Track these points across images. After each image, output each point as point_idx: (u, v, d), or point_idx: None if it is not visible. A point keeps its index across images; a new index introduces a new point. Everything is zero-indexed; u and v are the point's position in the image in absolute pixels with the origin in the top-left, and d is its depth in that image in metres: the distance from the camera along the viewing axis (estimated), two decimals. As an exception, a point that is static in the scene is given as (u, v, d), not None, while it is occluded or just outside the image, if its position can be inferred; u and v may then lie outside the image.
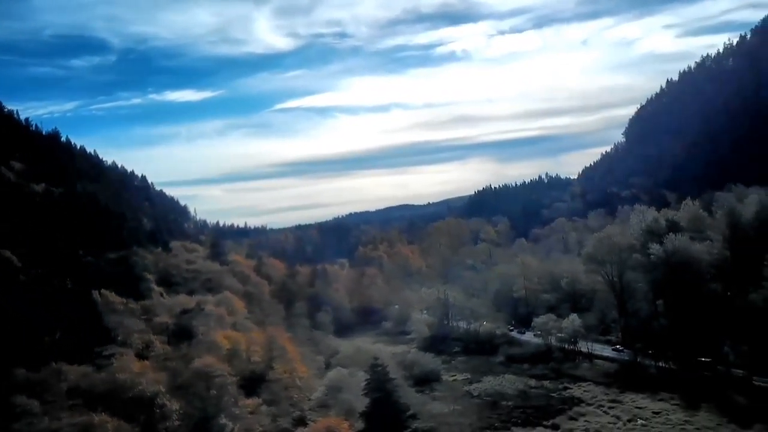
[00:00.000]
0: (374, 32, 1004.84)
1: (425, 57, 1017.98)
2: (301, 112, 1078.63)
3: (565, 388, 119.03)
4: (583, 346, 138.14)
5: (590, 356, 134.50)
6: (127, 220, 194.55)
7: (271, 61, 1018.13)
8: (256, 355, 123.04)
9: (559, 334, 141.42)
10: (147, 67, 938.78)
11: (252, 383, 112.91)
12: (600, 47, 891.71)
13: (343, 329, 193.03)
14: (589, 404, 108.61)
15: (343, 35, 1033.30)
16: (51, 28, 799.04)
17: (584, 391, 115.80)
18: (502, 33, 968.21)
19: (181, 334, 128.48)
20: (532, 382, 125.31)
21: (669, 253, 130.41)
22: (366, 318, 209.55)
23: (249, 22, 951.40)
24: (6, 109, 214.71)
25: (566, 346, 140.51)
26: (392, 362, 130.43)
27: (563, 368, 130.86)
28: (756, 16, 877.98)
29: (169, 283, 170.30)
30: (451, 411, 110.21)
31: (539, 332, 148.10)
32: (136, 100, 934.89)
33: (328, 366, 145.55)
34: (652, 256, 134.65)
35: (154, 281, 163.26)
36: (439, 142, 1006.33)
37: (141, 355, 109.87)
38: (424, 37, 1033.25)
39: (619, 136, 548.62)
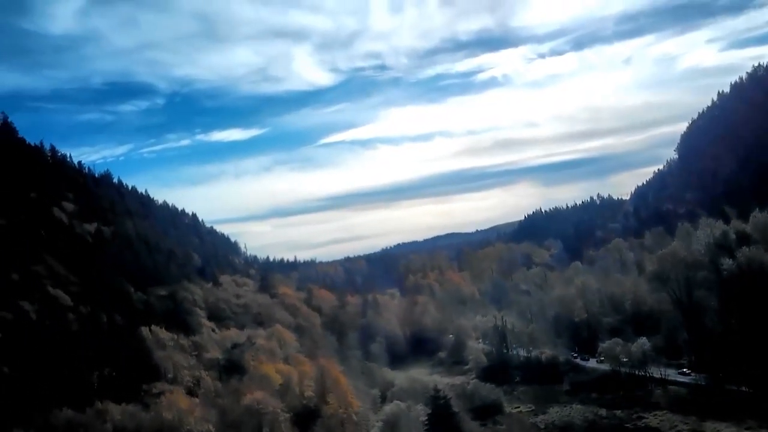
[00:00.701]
0: (413, 62, 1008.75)
1: (465, 84, 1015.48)
2: (344, 145, 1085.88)
3: (639, 417, 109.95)
4: (654, 371, 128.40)
5: (663, 381, 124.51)
6: (177, 256, 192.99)
7: (313, 97, 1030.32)
8: (309, 389, 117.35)
9: (625, 359, 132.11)
10: (193, 109, 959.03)
11: (305, 419, 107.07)
12: (642, 65, 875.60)
13: (396, 360, 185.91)
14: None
15: (382, 67, 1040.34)
16: (99, 76, 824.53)
17: (660, 420, 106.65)
18: (542, 56, 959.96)
19: (232, 368, 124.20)
20: (603, 412, 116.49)
21: (742, 266, 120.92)
22: (419, 348, 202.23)
23: (289, 60, 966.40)
24: (59, 153, 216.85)
25: (635, 371, 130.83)
26: (451, 394, 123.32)
27: (634, 395, 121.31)
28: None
29: (219, 317, 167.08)
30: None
31: (605, 358, 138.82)
32: (184, 141, 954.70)
33: (383, 399, 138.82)
34: (723, 272, 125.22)
35: (205, 316, 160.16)
36: (483, 168, 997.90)
37: (191, 392, 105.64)
38: (463, 64, 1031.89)
39: (666, 154, 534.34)
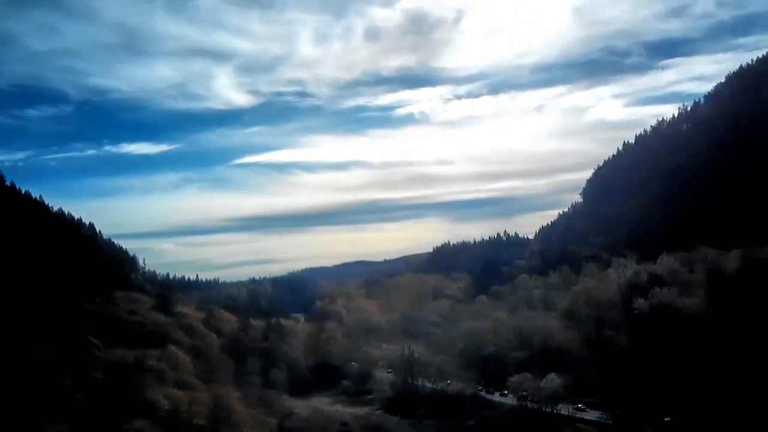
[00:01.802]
0: (335, 92, 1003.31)
1: (384, 118, 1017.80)
2: (259, 167, 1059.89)
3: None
4: (563, 408, 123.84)
5: (571, 420, 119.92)
6: (69, 268, 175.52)
7: (231, 117, 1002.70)
8: (200, 416, 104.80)
9: (534, 395, 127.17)
10: (104, 119, 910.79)
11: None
12: (552, 113, 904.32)
13: (298, 388, 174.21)
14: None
15: (303, 94, 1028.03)
16: (6, 78, 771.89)
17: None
18: (459, 97, 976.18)
19: (115, 391, 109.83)
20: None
21: (655, 307, 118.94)
22: (324, 376, 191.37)
23: (209, 79, 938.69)
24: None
25: (544, 408, 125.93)
26: (354, 426, 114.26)
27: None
28: (700, 88, 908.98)
29: (108, 335, 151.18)
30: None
31: (514, 393, 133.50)
32: (91, 151, 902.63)
33: (281, 429, 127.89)
34: (635, 311, 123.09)
35: (91, 333, 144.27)
36: (396, 201, 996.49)
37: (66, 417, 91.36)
38: (383, 98, 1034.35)
39: (569, 199, 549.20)
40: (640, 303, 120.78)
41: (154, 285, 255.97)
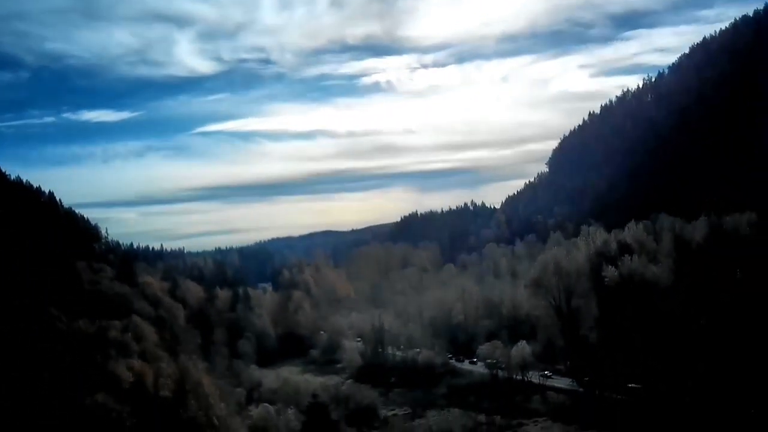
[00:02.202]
0: (299, 60, 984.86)
1: (350, 86, 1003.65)
2: (223, 136, 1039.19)
3: (520, 424, 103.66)
4: (533, 377, 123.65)
5: (541, 387, 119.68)
6: (27, 238, 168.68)
7: (193, 84, 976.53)
8: (166, 389, 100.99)
9: (504, 363, 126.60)
10: (62, 86, 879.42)
11: (159, 424, 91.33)
12: (517, 84, 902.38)
13: (266, 358, 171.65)
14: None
15: (267, 62, 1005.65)
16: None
17: (542, 428, 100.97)
18: (425, 66, 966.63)
19: (75, 364, 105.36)
20: (482, 418, 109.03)
21: (624, 276, 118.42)
22: (292, 346, 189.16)
23: (171, 45, 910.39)
24: None
25: (514, 376, 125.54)
26: (325, 396, 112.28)
27: (513, 401, 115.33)
28: (663, 60, 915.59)
29: (69, 306, 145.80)
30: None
31: (484, 361, 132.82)
32: (49, 119, 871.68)
33: (249, 400, 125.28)
34: (605, 280, 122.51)
35: (52, 304, 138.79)
36: (362, 171, 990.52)
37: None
38: (348, 67, 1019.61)
39: (534, 169, 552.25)
40: (610, 271, 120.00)
41: (117, 255, 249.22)
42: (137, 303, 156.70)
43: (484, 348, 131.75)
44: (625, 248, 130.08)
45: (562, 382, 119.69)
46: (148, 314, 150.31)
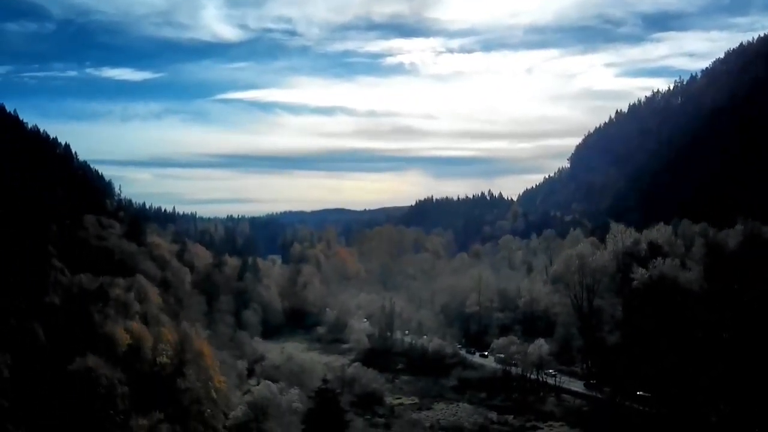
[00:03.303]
0: (324, 34, 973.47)
1: (373, 65, 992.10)
2: (243, 105, 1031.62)
3: (535, 428, 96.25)
4: (547, 377, 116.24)
5: (557, 389, 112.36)
6: (38, 186, 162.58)
7: (216, 50, 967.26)
8: (164, 356, 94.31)
9: (520, 360, 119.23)
10: (86, 41, 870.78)
11: (154, 393, 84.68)
12: (542, 77, 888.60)
13: (271, 331, 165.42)
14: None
15: (293, 33, 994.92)
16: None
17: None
18: (450, 51, 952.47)
19: (72, 321, 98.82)
20: (493, 416, 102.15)
21: (654, 279, 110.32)
22: (297, 321, 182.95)
23: (197, 8, 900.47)
24: None
25: (528, 374, 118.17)
26: (330, 376, 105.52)
27: (527, 401, 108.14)
28: (691, 65, 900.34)
29: (72, 259, 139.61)
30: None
31: (496, 355, 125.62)
32: (72, 73, 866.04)
33: (250, 374, 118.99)
34: (633, 281, 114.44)
35: (55, 254, 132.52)
36: (379, 151, 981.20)
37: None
38: (373, 45, 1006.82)
39: (552, 165, 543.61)
40: (639, 273, 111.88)
41: (127, 213, 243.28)
42: (143, 263, 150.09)
43: (499, 342, 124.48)
44: (655, 250, 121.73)
45: (578, 385, 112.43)
46: (153, 275, 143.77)
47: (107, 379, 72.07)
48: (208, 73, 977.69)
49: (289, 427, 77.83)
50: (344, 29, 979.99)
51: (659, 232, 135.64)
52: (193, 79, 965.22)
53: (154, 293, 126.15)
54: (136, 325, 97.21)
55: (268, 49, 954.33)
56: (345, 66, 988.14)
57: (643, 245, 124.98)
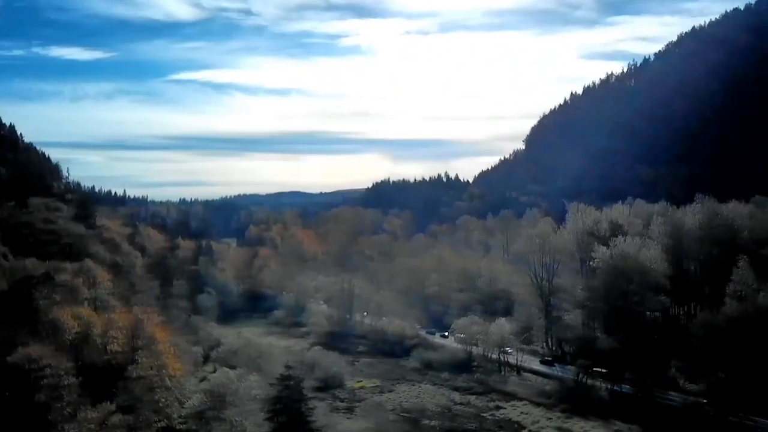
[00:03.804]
0: (280, 14, 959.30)
1: (330, 46, 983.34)
2: (197, 85, 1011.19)
3: (498, 408, 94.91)
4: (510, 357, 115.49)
5: (518, 369, 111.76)
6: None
7: (170, 29, 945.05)
8: (116, 342, 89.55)
9: (481, 339, 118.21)
10: (34, 18, 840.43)
11: (105, 382, 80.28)
12: (500, 59, 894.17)
13: (227, 315, 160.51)
14: (532, 431, 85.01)
15: (248, 12, 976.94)
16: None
17: (521, 413, 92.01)
18: (408, 33, 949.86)
19: (16, 308, 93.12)
20: (456, 396, 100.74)
21: (616, 258, 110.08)
22: (255, 304, 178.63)
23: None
24: None
25: (490, 354, 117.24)
26: (286, 360, 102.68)
27: (490, 381, 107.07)
28: (644, 49, 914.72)
29: (17, 243, 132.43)
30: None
31: (459, 335, 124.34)
32: (18, 51, 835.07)
33: (206, 360, 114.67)
34: (595, 260, 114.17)
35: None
36: (336, 134, 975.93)
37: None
38: (330, 26, 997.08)
39: (507, 147, 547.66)
40: (601, 251, 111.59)
41: (76, 196, 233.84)
42: (93, 246, 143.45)
43: (460, 322, 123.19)
44: (616, 229, 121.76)
45: (541, 366, 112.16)
46: (103, 259, 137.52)
47: (53, 369, 67.46)
48: (161, 53, 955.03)
49: (249, 415, 74.62)
50: (301, 9, 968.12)
51: (618, 212, 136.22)
52: (145, 59, 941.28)
53: (104, 278, 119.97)
54: (84, 311, 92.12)
55: (223, 28, 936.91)
56: (302, 46, 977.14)
57: (604, 224, 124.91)
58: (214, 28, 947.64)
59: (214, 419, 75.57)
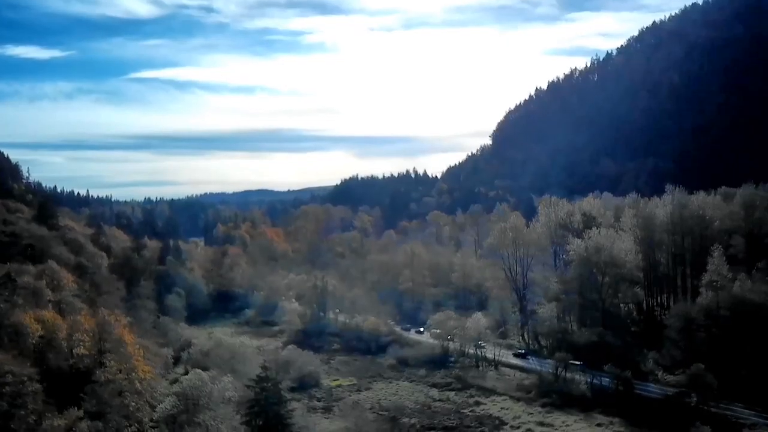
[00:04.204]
0: (242, 11, 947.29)
1: (294, 43, 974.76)
2: (159, 84, 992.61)
3: (477, 403, 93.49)
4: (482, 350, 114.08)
5: (496, 363, 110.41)
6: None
7: (129, 27, 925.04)
8: (82, 346, 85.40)
9: (458, 334, 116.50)
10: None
11: (71, 388, 76.36)
12: (463, 55, 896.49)
13: (197, 316, 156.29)
14: (513, 427, 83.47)
15: (209, 9, 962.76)
16: None
17: (502, 408, 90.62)
18: (372, 29, 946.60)
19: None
20: (434, 393, 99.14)
21: (591, 250, 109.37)
22: (225, 304, 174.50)
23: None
24: None
25: (467, 349, 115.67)
26: (259, 360, 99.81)
27: (468, 377, 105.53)
28: (605, 45, 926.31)
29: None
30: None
31: (434, 331, 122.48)
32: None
33: (177, 361, 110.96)
34: (570, 253, 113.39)
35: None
36: (301, 131, 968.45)
37: None
38: (294, 23, 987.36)
39: (473, 143, 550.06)
40: (576, 244, 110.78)
41: (37, 196, 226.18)
42: (56, 248, 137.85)
43: (435, 317, 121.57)
44: (589, 221, 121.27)
45: (518, 359, 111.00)
46: (67, 260, 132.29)
47: (15, 375, 63.47)
48: (120, 51, 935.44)
49: (225, 419, 71.48)
50: (263, 5, 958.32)
51: (590, 204, 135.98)
52: (105, 57, 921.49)
53: (68, 279, 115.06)
54: (48, 314, 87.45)
55: (184, 25, 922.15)
56: (265, 44, 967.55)
57: (577, 216, 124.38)
58: (174, 26, 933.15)
59: (188, 423, 72.14)
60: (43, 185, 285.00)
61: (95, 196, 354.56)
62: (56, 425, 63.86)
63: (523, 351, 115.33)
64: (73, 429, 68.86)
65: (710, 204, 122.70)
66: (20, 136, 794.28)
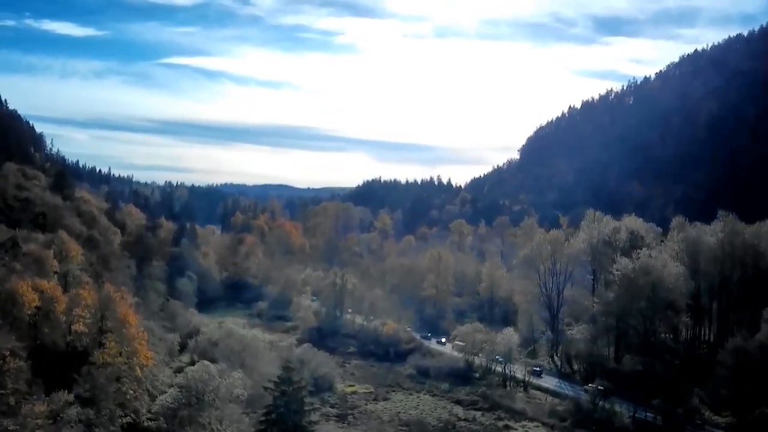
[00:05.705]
0: (277, 5, 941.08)
1: (324, 42, 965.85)
2: (188, 71, 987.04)
3: (508, 428, 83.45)
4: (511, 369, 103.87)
5: (525, 384, 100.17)
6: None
7: (164, 12, 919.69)
8: (81, 322, 76.40)
9: (486, 349, 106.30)
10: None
11: (64, 368, 67.41)
12: (493, 69, 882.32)
13: (207, 303, 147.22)
14: (549, 458, 73.56)
15: (245, 2, 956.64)
16: None
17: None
18: (404, 35, 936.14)
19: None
20: (459, 411, 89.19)
21: (638, 272, 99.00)
22: (237, 293, 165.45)
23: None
24: None
25: (493, 366, 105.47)
26: (272, 356, 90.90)
27: (495, 396, 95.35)
28: (636, 71, 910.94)
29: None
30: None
31: (458, 343, 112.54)
32: (9, 22, 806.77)
33: (183, 348, 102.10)
34: (615, 272, 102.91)
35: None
36: (323, 130, 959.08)
37: None
38: (326, 22, 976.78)
39: (496, 157, 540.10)
40: (623, 263, 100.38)
41: (56, 166, 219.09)
42: (69, 218, 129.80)
43: (462, 329, 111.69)
44: (637, 239, 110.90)
45: (549, 381, 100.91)
46: (78, 232, 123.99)
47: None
48: (154, 35, 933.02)
49: (232, 420, 62.08)
50: (298, 2, 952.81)
51: (635, 223, 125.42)
52: (138, 40, 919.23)
53: (77, 251, 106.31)
54: (48, 284, 78.35)
55: (218, 15, 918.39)
56: (296, 40, 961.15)
57: (623, 234, 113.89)
58: (209, 15, 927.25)
59: (190, 421, 62.76)
60: (66, 159, 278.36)
61: (116, 175, 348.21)
62: (38, 411, 54.59)
63: (539, 369, 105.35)
64: (60, 416, 59.94)
65: (765, 234, 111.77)
66: (48, 110, 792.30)
